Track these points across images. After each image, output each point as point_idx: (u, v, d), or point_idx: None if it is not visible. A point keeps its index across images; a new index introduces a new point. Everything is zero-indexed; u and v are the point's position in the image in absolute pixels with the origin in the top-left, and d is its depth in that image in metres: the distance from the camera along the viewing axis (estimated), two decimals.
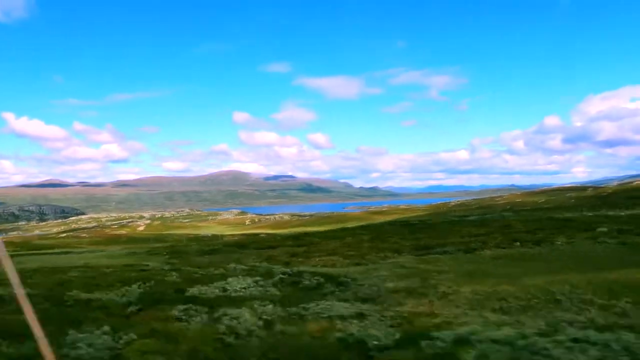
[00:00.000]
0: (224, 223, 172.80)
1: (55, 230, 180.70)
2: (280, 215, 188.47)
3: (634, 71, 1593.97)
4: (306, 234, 50.16)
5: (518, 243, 24.38)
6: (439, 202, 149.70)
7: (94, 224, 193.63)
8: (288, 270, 16.99)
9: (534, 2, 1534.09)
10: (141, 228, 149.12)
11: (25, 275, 15.97)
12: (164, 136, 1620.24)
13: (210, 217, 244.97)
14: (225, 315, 8.41)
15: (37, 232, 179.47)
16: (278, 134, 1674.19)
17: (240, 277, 14.74)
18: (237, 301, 10.70)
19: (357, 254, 25.02)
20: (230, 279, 14.14)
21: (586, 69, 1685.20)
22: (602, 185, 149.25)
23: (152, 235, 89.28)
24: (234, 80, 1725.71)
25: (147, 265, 22.29)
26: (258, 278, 14.55)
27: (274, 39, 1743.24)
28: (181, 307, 9.51)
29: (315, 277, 14.90)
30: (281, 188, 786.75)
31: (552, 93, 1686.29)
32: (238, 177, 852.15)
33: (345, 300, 11.18)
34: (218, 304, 9.93)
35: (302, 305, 9.76)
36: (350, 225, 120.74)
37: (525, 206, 78.01)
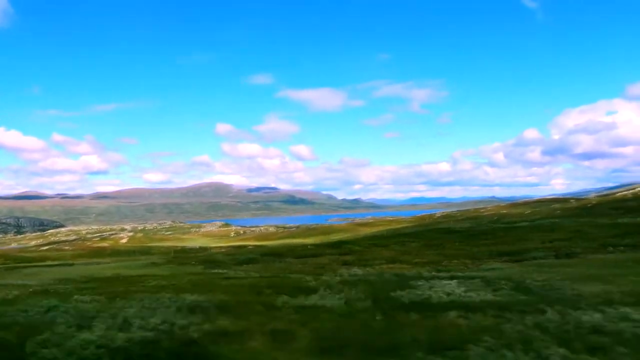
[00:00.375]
0: (209, 235, 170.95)
1: (33, 243, 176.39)
2: (265, 227, 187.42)
3: (610, 85, 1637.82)
4: (342, 241, 49.34)
5: (611, 247, 23.24)
6: (423, 214, 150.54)
7: (74, 237, 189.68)
8: (460, 274, 16.07)
9: (514, 18, 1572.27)
10: (124, 240, 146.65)
11: None
12: (144, 147, 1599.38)
13: (194, 229, 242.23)
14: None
15: (14, 245, 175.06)
16: (261, 145, 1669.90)
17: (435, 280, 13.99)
18: (471, 307, 9.91)
19: (427, 261, 24.06)
20: (421, 282, 13.57)
21: (564, 83, 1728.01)
22: (583, 197, 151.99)
23: (137, 248, 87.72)
24: (217, 91, 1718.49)
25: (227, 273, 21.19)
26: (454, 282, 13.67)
27: (257, 50, 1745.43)
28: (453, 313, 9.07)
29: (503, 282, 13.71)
30: (264, 200, 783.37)
31: (531, 106, 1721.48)
32: (220, 189, 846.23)
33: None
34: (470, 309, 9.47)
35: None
36: (335, 237, 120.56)
37: (513, 217, 78.73)
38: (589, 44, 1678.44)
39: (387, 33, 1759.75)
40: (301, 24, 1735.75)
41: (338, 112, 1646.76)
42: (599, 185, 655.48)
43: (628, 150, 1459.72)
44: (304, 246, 48.76)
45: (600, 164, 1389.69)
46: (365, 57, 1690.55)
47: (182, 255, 51.83)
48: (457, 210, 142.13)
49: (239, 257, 37.25)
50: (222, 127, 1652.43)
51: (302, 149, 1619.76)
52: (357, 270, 20.37)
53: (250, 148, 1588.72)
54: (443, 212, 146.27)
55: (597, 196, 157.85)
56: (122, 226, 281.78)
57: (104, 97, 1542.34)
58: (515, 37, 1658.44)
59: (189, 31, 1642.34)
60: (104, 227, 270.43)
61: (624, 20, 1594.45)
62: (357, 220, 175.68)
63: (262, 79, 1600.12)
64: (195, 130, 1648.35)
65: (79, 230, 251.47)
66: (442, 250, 28.97)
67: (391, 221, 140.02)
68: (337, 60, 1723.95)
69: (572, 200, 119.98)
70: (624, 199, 78.29)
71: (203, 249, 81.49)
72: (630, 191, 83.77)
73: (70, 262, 45.91)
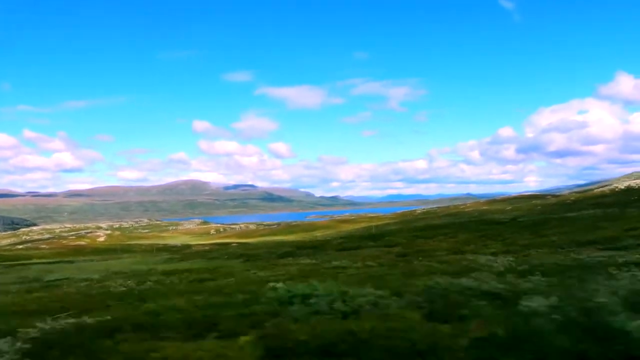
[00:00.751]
0: (188, 233, 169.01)
1: (5, 242, 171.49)
2: (245, 224, 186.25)
3: (582, 85, 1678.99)
4: (381, 234, 48.93)
5: None
6: (404, 211, 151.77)
7: (48, 236, 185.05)
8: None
9: (491, 19, 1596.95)
10: (101, 239, 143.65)
11: None
12: (119, 145, 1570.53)
13: (171, 227, 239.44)
14: None
15: None
16: (239, 143, 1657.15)
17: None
18: None
19: (505, 251, 22.47)
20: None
21: (538, 83, 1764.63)
22: (558, 194, 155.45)
23: (117, 246, 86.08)
24: (195, 88, 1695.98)
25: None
26: None
27: (236, 48, 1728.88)
28: None
29: None
30: (241, 197, 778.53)
31: (506, 105, 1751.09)
32: (197, 187, 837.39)
33: None
34: None
35: None
36: (319, 233, 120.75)
37: (494, 214, 79.92)
38: (563, 44, 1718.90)
39: (366, 31, 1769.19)
40: (280, 21, 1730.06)
41: (317, 109, 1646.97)
42: (570, 183, 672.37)
43: (598, 148, 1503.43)
44: (334, 239, 48.45)
45: (572, 161, 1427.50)
46: (344, 55, 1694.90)
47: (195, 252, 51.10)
48: (437, 207, 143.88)
49: (276, 250, 37.01)
50: (200, 125, 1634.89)
51: (281, 147, 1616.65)
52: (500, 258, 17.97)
53: (227, 145, 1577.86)
54: (424, 209, 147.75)
55: (572, 193, 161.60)
56: (98, 224, 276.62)
57: (77, 93, 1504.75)
58: (491, 37, 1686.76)
59: (166, 27, 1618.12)
60: (79, 226, 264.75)
61: (595, 23, 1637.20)
62: (338, 217, 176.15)
63: (240, 76, 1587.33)
64: (172, 128, 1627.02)
65: (52, 229, 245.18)
66: (509, 240, 27.90)
67: (372, 218, 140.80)
68: (316, 58, 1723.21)
69: (548, 197, 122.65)
70: (602, 195, 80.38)
71: (185, 247, 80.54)
72: (607, 187, 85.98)
73: (71, 259, 44.85)
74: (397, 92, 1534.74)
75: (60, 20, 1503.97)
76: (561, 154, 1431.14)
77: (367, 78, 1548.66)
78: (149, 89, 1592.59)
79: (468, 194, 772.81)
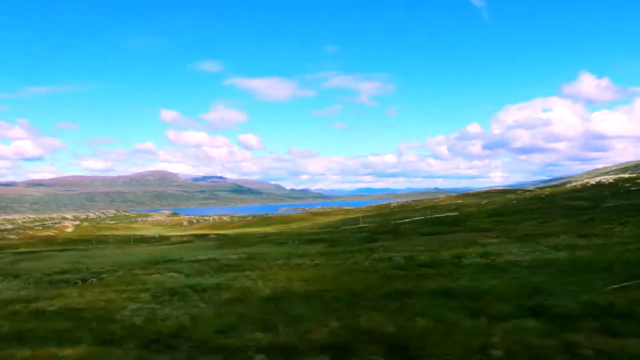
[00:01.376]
0: (160, 224, 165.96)
1: None
2: (218, 216, 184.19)
3: (547, 84, 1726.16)
4: (456, 220, 49.49)
5: None
6: (379, 204, 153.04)
7: (10, 226, 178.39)
8: None
9: (461, 16, 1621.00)
10: (69, 229, 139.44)
11: None
12: (84, 133, 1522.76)
13: (140, 219, 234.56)
14: None
15: None
16: (208, 134, 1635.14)
17: None
18: None
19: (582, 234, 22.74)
20: None
21: (505, 81, 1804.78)
22: (528, 189, 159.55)
23: (91, 236, 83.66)
24: (163, 77, 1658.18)
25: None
26: None
27: (204, 36, 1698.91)
28: None
29: None
30: (210, 189, 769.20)
31: (474, 102, 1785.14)
32: (165, 178, 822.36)
33: None
34: None
35: None
36: (295, 225, 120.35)
37: (471, 207, 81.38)
38: (530, 44, 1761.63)
39: (337, 25, 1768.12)
40: (250, 10, 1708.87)
41: (287, 102, 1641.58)
42: (534, 179, 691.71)
43: (561, 145, 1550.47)
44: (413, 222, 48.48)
45: (535, 158, 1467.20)
46: (315, 47, 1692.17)
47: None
48: (413, 200, 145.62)
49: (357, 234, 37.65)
50: (168, 114, 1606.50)
51: (251, 138, 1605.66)
52: None
53: (196, 136, 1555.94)
54: (398, 202, 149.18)
55: (537, 188, 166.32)
56: (63, 215, 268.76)
57: (39, 79, 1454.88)
58: (462, 34, 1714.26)
59: (134, 13, 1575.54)
60: (43, 216, 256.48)
61: (561, 25, 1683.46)
62: (313, 209, 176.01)
63: (209, 66, 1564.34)
64: (139, 117, 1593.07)
65: (14, 219, 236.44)
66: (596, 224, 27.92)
67: (349, 210, 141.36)
68: (286, 50, 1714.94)
69: (518, 191, 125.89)
70: (574, 190, 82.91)
71: (163, 238, 78.94)
72: (580, 183, 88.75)
73: (60, 248, 43.27)
74: (368, 87, 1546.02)
75: (21, 3, 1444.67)
76: (526, 150, 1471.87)
77: (338, 71, 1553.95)
78: (115, 77, 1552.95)
79: (436, 188, 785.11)
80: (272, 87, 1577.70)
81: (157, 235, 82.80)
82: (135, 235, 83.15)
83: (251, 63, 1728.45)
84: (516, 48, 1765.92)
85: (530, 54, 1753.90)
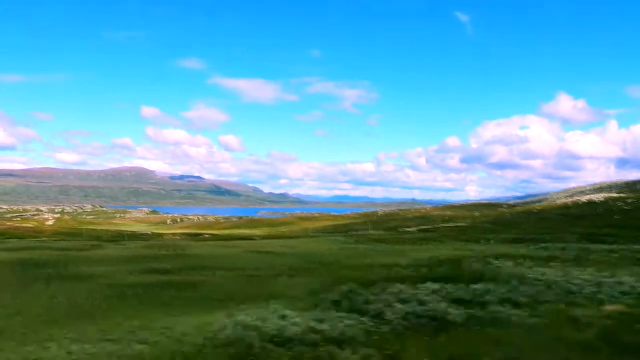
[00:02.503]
0: (143, 221, 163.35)
1: None
2: (202, 216, 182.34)
3: (526, 102, 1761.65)
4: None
5: None
6: (367, 211, 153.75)
7: None
8: None
9: (446, 30, 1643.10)
10: (50, 222, 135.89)
11: None
12: (58, 125, 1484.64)
13: (119, 215, 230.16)
14: None
15: None
16: (188, 132, 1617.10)
17: None
18: None
19: None
20: None
21: (485, 96, 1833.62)
22: (509, 203, 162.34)
23: (83, 231, 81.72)
24: (143, 71, 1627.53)
25: None
26: None
27: (188, 33, 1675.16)
28: None
29: None
30: (188, 189, 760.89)
31: (454, 116, 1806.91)
32: (142, 175, 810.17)
33: None
34: None
35: None
36: (284, 229, 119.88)
37: (466, 219, 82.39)
38: (511, 62, 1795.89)
39: (322, 30, 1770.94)
40: (236, 9, 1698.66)
41: (270, 104, 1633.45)
42: (508, 194, 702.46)
43: (536, 163, 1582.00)
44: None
45: (510, 174, 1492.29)
46: (300, 51, 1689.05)
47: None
48: (403, 209, 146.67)
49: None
50: (147, 110, 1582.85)
51: (231, 139, 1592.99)
52: None
53: (176, 134, 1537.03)
54: (385, 211, 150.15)
55: (518, 204, 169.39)
56: (37, 207, 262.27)
57: (13, 67, 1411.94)
58: (445, 48, 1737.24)
59: (115, 4, 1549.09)
60: (16, 208, 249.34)
61: (543, 45, 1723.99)
62: (298, 214, 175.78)
63: (192, 64, 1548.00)
64: (117, 111, 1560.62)
65: None
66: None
67: (336, 217, 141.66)
68: (271, 51, 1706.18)
69: (505, 206, 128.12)
70: (565, 207, 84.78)
71: (157, 235, 77.65)
72: (570, 200, 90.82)
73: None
74: (351, 94, 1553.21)
75: None
76: (501, 166, 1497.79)
77: (322, 77, 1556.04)
78: (94, 68, 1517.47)
79: (413, 199, 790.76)
80: (256, 89, 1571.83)
81: (149, 232, 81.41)
82: (126, 231, 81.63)
83: (236, 63, 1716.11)
84: (498, 65, 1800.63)
85: (511, 72, 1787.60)
